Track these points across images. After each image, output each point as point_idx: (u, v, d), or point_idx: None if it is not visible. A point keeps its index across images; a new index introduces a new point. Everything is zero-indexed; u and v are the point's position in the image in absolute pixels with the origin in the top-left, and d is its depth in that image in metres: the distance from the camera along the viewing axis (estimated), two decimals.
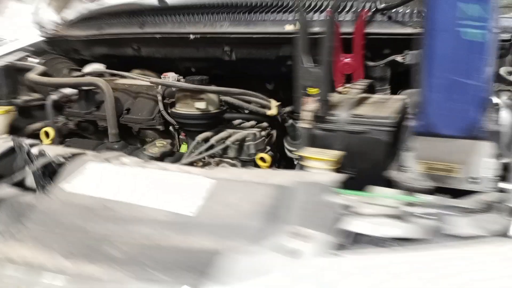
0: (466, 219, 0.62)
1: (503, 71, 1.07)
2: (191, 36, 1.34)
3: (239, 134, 1.23)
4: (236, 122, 1.38)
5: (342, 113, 0.95)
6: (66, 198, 0.73)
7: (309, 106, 0.94)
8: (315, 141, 0.95)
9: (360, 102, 1.03)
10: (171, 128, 1.38)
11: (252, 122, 1.36)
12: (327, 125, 0.94)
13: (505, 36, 1.19)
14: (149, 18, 1.51)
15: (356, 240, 0.61)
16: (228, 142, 1.20)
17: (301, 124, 0.94)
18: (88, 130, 1.46)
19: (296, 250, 0.56)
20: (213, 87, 1.19)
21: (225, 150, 1.25)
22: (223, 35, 1.31)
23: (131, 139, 1.39)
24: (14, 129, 1.47)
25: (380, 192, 0.74)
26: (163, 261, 0.56)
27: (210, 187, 0.70)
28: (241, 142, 1.25)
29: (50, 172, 0.87)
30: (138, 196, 0.70)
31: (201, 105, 1.19)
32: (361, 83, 1.08)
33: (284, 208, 0.66)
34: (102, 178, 0.77)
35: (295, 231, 0.60)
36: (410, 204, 0.68)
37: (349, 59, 1.21)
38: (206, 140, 1.23)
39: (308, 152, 0.89)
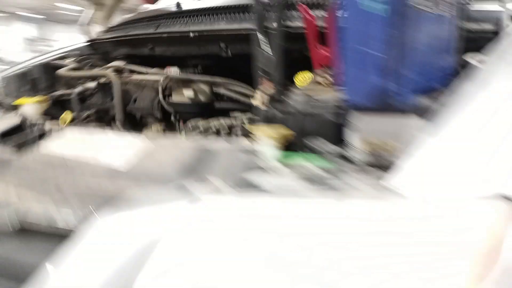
0: (357, 177, 0.68)
1: (472, 58, 1.07)
2: (191, 34, 1.48)
3: (226, 121, 1.33)
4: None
5: (298, 96, 1.02)
6: (38, 155, 0.88)
7: (266, 88, 1.03)
8: (273, 122, 1.03)
9: (324, 89, 1.09)
10: (172, 117, 1.51)
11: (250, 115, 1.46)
12: (282, 106, 1.02)
13: (489, 27, 1.19)
14: (164, 21, 1.68)
15: (253, 190, 0.69)
16: (213, 128, 1.31)
17: (257, 104, 1.03)
18: (104, 118, 1.65)
19: (191, 190, 0.66)
20: (197, 76, 1.31)
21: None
22: (216, 32, 1.44)
23: (137, 126, 1.55)
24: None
25: (305, 158, 0.81)
26: (84, 196, 0.68)
27: (147, 150, 0.82)
28: (230, 130, 1.35)
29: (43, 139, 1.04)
30: (91, 154, 0.84)
31: (189, 93, 1.31)
32: (324, 72, 1.14)
33: (203, 164, 0.76)
34: (70, 140, 0.91)
35: (200, 178, 0.70)
36: (321, 168, 0.75)
37: (326, 52, 1.27)
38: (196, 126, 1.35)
39: (257, 129, 0.98)
